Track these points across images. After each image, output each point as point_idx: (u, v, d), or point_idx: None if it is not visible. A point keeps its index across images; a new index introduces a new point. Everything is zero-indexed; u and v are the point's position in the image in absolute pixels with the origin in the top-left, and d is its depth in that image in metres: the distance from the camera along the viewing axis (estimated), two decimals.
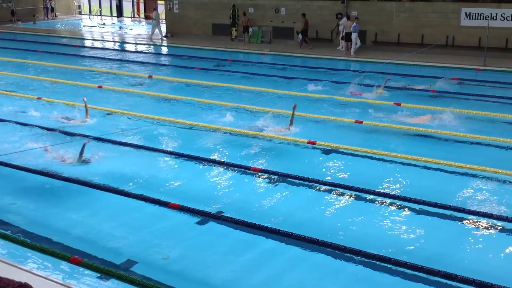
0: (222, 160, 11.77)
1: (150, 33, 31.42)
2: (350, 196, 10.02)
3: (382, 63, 21.74)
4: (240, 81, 19.72)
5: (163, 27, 31.77)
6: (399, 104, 15.93)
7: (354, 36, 24.33)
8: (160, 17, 32.57)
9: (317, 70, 21.72)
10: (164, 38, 30.88)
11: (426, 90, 18.11)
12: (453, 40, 24.17)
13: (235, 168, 11.27)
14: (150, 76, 20.82)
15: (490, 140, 12.85)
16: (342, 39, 25.45)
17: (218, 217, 8.96)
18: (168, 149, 12.49)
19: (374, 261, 7.71)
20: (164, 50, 28.78)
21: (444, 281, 7.25)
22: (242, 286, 7.36)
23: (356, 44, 24.61)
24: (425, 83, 18.70)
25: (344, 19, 25.32)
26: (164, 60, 26.22)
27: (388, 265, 7.60)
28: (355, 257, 7.81)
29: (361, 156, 12.04)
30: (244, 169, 11.21)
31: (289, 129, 13.59)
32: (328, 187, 10.36)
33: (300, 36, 26.86)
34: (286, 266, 7.82)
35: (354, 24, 24.13)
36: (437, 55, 23.07)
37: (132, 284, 7.00)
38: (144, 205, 9.47)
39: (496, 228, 8.81)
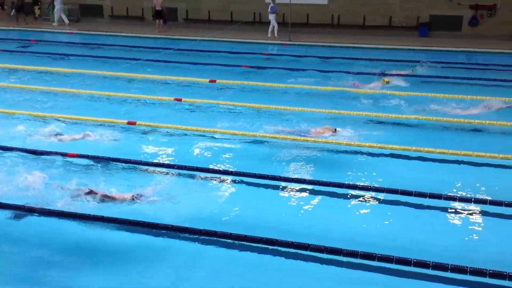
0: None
1: None
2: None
3: (195, 40, 22.06)
4: (51, 63, 18.63)
5: None
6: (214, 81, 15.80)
7: (271, 17, 23.19)
8: None
9: (133, 48, 21.28)
10: None
11: (412, 75, 16.60)
12: (260, 17, 25.37)
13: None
14: None
15: None
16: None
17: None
18: None
19: None
20: None
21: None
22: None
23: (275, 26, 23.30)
24: (241, 60, 18.86)
25: None
26: None
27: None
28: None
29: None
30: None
31: (334, 131, 11.58)
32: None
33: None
34: None
35: (272, 5, 23.01)
36: (247, 32, 24.01)
37: None
38: None
39: None
